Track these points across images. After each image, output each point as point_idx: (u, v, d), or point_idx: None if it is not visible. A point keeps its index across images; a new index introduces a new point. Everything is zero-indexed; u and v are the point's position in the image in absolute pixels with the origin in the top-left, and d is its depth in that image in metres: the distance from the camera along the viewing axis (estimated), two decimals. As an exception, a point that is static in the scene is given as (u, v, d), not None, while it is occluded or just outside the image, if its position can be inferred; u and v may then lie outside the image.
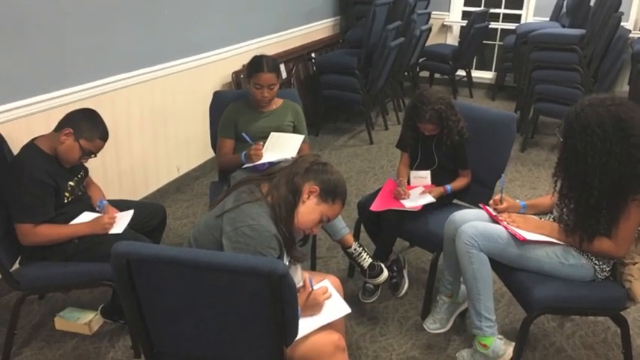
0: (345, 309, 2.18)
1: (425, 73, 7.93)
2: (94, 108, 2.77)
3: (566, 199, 2.41)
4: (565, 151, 2.37)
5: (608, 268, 2.47)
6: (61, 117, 2.69)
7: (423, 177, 3.20)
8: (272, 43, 5.54)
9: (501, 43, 7.78)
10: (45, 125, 2.98)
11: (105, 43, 3.64)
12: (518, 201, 2.76)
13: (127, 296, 1.81)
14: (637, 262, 2.43)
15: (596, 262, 2.45)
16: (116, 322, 2.98)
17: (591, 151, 2.23)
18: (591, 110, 2.24)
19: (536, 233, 2.50)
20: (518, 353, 2.56)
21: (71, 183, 2.71)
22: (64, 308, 3.02)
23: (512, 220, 2.57)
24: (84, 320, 2.92)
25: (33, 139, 2.66)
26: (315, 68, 6.15)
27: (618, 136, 2.20)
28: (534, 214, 2.70)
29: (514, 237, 2.48)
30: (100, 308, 3.00)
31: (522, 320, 2.51)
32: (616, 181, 2.24)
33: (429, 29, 7.04)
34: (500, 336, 2.64)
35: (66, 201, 2.68)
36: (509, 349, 2.60)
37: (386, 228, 3.13)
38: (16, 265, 2.69)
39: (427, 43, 7.31)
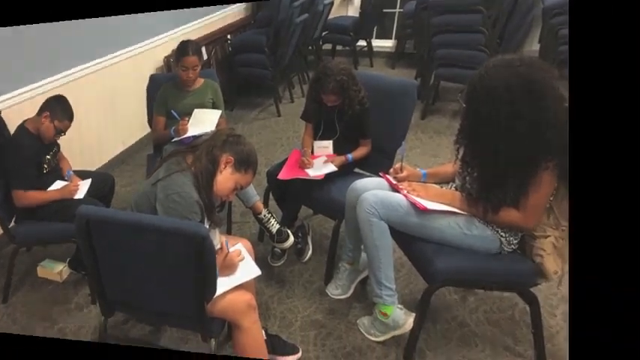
0: (256, 271, 2.25)
1: (328, 46, 7.60)
2: (62, 94, 3.11)
3: (469, 167, 2.17)
4: (468, 117, 2.12)
5: (515, 241, 2.24)
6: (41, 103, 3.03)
7: (325, 147, 3.13)
8: (196, 29, 5.68)
9: (401, 10, 7.47)
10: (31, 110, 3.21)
11: (64, 42, 3.88)
12: (418, 169, 2.54)
13: (86, 251, 2.00)
14: (549, 236, 2.15)
15: (503, 233, 2.22)
16: (79, 272, 3.29)
17: (496, 116, 1.97)
18: (496, 72, 1.98)
19: (437, 202, 2.29)
20: (419, 324, 2.37)
21: (48, 157, 3.07)
22: (44, 259, 3.36)
23: (413, 189, 2.35)
24: (56, 270, 3.28)
25: (23, 122, 3.02)
26: (230, 49, 6.12)
27: (527, 99, 1.94)
28: (436, 183, 2.49)
29: (414, 206, 2.26)
30: (67, 260, 3.32)
31: (423, 291, 2.30)
32: (525, 148, 1.98)
33: (331, 3, 6.77)
34: (400, 306, 2.45)
35: (45, 171, 3.04)
36: (409, 320, 2.40)
37: (291, 196, 3.10)
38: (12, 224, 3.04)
39: (329, 16, 7.01)
